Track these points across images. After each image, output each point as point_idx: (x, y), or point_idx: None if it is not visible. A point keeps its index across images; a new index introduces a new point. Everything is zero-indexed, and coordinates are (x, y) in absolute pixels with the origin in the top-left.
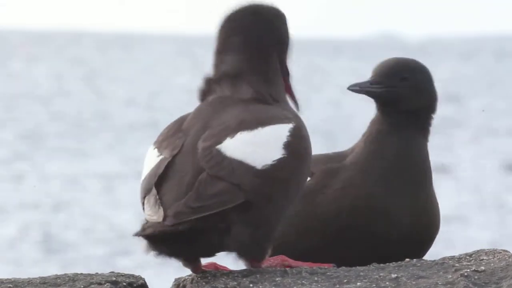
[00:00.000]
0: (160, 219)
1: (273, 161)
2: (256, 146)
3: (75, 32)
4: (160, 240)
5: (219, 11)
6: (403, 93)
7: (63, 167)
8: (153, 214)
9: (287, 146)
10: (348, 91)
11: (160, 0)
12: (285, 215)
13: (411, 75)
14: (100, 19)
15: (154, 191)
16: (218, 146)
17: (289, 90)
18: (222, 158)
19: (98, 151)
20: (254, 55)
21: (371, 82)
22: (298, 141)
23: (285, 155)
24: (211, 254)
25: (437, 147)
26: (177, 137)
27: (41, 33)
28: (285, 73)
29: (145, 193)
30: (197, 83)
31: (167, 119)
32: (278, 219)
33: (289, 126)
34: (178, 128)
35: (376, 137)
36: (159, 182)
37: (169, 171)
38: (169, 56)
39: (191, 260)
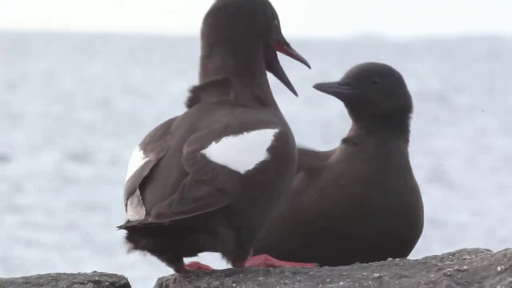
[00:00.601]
0: (142, 217)
1: (256, 166)
2: (240, 151)
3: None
4: (143, 235)
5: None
6: (372, 97)
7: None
8: (135, 214)
9: (271, 150)
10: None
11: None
12: (269, 217)
13: (380, 79)
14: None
15: (137, 192)
16: (203, 151)
17: (282, 76)
18: (206, 163)
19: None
20: (237, 57)
21: (339, 83)
22: (282, 146)
23: (269, 160)
24: (194, 253)
25: (427, 147)
26: (164, 140)
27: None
28: (276, 63)
29: (129, 194)
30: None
31: None
32: (262, 222)
33: (274, 131)
34: (165, 131)
35: (354, 140)
36: (143, 184)
37: (154, 173)
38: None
39: (174, 259)
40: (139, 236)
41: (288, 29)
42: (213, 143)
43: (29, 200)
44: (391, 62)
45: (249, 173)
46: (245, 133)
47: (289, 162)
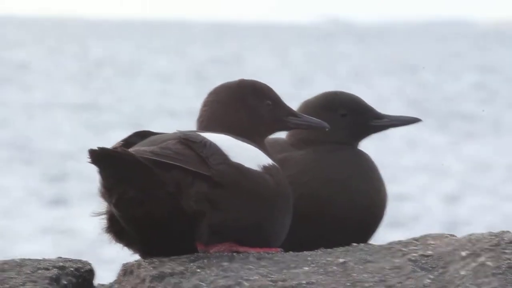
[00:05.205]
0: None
1: (246, 168)
2: (236, 146)
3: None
4: (114, 169)
5: None
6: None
7: None
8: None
9: (265, 168)
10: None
11: None
12: (255, 219)
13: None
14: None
15: (121, 142)
16: (199, 132)
17: (303, 127)
18: (198, 136)
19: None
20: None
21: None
22: (276, 172)
23: (259, 171)
24: (160, 221)
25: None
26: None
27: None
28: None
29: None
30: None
31: None
32: (243, 215)
33: (273, 162)
34: None
35: (318, 146)
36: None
37: (148, 141)
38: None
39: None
40: (110, 167)
41: (256, 16)
42: (211, 133)
43: None
44: (360, 46)
45: (236, 162)
46: (244, 142)
47: (281, 192)
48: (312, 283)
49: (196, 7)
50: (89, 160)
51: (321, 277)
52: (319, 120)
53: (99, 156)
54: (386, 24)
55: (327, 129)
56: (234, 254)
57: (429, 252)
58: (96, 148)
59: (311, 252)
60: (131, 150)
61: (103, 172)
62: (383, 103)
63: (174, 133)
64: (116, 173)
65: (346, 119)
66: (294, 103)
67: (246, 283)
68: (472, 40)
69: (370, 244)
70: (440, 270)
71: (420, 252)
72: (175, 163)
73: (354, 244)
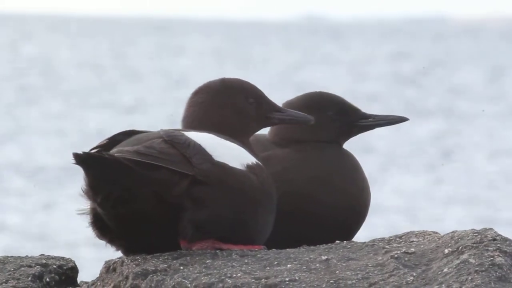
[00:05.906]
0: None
1: (229, 167)
2: (220, 145)
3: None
4: (99, 172)
5: None
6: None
7: None
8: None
9: (249, 167)
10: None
11: None
12: (241, 217)
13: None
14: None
15: (106, 140)
16: (183, 132)
17: (288, 122)
18: (182, 136)
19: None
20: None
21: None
22: (260, 170)
23: (242, 169)
24: (144, 218)
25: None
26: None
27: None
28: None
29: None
30: None
31: None
32: (227, 212)
33: (257, 160)
34: None
35: (302, 145)
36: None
37: (133, 139)
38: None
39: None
40: (94, 170)
41: (233, 12)
42: (194, 132)
43: None
44: (335, 43)
45: (222, 161)
46: (228, 141)
47: (265, 190)
48: (295, 280)
49: (180, 5)
50: (74, 162)
51: (304, 274)
52: (304, 114)
53: (83, 160)
54: (362, 21)
55: (311, 123)
56: (217, 251)
57: (412, 250)
58: (81, 153)
59: (294, 250)
60: (115, 149)
61: (88, 173)
62: (370, 100)
63: (158, 132)
64: (101, 174)
65: (332, 119)
66: (278, 99)
67: (229, 281)
68: (455, 36)
69: (353, 242)
70: (423, 268)
71: (403, 250)
72: (158, 164)
73: (337, 241)
